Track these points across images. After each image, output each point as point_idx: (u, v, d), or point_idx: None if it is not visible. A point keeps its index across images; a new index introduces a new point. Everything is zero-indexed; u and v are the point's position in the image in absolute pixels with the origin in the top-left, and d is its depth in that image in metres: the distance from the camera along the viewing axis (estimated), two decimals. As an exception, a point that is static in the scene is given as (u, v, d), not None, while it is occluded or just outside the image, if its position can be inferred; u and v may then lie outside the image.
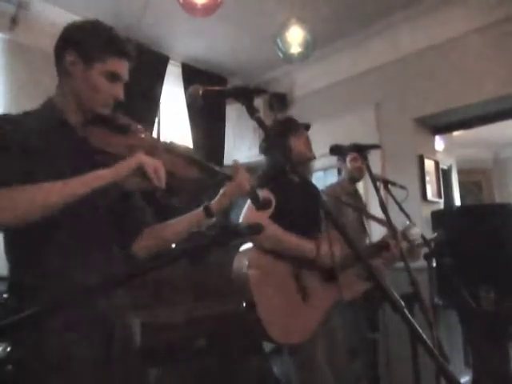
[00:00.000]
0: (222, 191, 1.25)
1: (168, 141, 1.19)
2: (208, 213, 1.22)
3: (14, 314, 1.00)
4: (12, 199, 0.93)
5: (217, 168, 1.21)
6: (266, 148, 2.02)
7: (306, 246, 1.83)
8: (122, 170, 1.01)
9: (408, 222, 2.12)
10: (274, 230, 1.76)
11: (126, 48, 1.15)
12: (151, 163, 1.02)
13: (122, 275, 0.68)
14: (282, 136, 1.96)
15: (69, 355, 0.99)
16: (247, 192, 1.22)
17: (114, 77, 1.13)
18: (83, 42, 1.10)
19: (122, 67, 1.15)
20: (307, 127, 2.09)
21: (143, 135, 1.14)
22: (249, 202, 1.66)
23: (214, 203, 1.24)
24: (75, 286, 1.00)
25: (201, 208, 1.24)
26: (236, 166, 1.24)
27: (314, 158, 2.03)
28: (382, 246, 2.02)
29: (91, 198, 1.01)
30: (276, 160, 1.91)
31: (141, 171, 1.01)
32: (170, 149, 1.15)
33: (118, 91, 1.15)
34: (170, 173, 1.08)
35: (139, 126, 1.15)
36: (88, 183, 0.97)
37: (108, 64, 1.12)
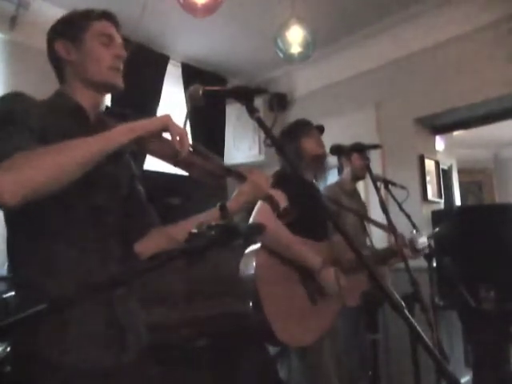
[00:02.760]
0: (237, 190, 1.19)
1: None
2: (224, 212, 1.08)
3: (18, 311, 1.00)
4: (34, 161, 0.84)
5: (229, 167, 1.15)
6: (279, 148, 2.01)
7: (312, 260, 1.79)
8: (149, 125, 0.95)
9: (415, 231, 2.11)
10: (284, 236, 1.72)
11: (103, 10, 1.16)
12: (177, 127, 0.97)
13: (120, 276, 0.68)
14: (293, 138, 1.95)
15: (73, 356, 0.97)
16: (266, 194, 1.16)
17: (106, 39, 1.13)
18: (65, 28, 1.14)
19: (108, 28, 1.15)
20: (320, 129, 2.08)
21: None
22: (259, 204, 1.62)
23: (231, 202, 1.15)
24: (78, 284, 0.98)
25: (216, 207, 1.12)
26: (249, 169, 1.19)
27: (326, 154, 2.00)
28: (387, 256, 2.05)
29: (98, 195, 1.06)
30: (287, 161, 1.89)
31: (163, 132, 0.96)
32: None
33: (118, 50, 1.14)
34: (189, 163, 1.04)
35: None
36: (115, 137, 0.91)
37: (93, 29, 1.12)
